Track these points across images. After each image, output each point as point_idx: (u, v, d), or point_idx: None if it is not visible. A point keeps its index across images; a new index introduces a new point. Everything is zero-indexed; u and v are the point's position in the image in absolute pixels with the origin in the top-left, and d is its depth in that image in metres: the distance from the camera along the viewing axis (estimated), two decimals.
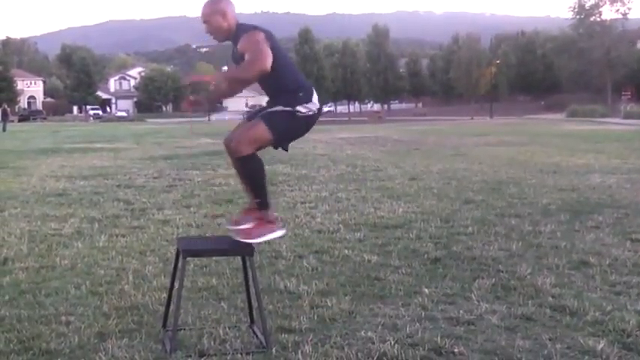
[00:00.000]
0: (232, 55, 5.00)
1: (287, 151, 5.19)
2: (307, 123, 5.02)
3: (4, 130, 49.92)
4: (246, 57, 4.72)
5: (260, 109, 5.05)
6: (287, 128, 4.94)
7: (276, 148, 5.08)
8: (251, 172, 4.94)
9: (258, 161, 4.93)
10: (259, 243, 5.01)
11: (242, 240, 4.88)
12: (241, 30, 4.87)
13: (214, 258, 7.12)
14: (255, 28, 4.86)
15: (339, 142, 30.37)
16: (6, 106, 58.15)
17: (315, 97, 4.99)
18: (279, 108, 4.86)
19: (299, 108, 4.89)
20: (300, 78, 5.07)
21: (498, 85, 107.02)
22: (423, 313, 5.54)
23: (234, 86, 5.02)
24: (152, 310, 5.69)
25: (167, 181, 14.97)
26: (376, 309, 5.69)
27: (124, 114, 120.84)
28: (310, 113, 4.96)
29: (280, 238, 4.89)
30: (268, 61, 4.65)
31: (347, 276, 6.76)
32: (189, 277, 6.54)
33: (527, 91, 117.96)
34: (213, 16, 4.87)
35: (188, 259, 5.09)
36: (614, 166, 17.62)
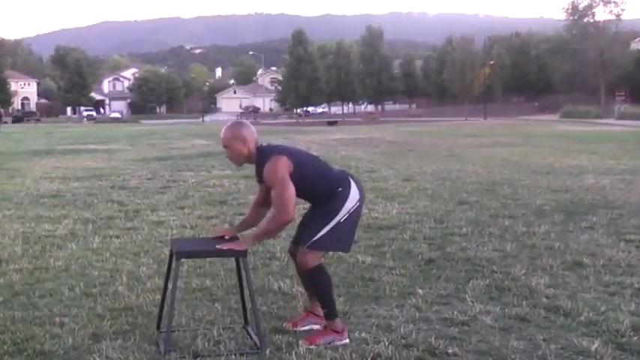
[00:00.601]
0: (256, 174, 5.05)
1: (348, 251, 5.44)
2: (355, 217, 5.09)
3: None
4: (272, 197, 4.85)
5: (305, 223, 5.18)
6: (338, 237, 5.01)
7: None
8: (319, 284, 5.02)
9: (325, 272, 5.05)
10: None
11: (305, 345, 4.87)
12: (262, 154, 4.93)
13: (208, 259, 7.12)
14: (276, 152, 4.91)
15: (333, 144, 30.39)
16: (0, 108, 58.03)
17: (353, 188, 5.03)
18: (322, 232, 4.92)
19: (341, 213, 4.95)
20: (333, 176, 5.09)
21: (492, 86, 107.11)
22: (417, 314, 5.55)
23: (268, 237, 5.51)
24: (146, 311, 5.69)
25: (161, 183, 14.96)
26: (370, 310, 5.69)
27: (117, 115, 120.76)
28: (356, 206, 5.03)
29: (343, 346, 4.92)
30: (291, 208, 4.78)
31: (341, 277, 6.76)
32: (183, 279, 6.53)
33: (521, 92, 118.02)
34: (234, 142, 4.94)
35: (182, 260, 5.08)
36: (608, 167, 17.67)
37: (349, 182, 5.05)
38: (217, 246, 4.87)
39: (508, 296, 6.03)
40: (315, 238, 4.91)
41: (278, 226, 4.88)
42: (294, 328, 5.20)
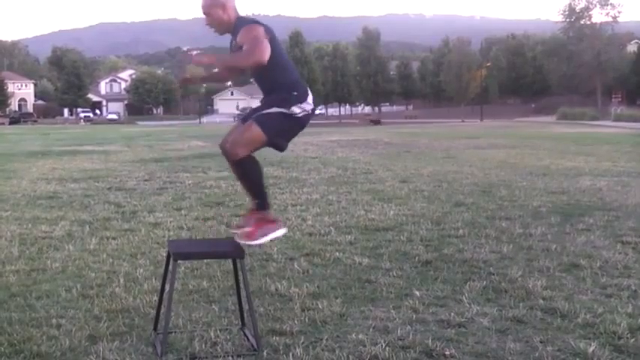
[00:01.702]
0: (230, 46, 5.02)
1: (282, 151, 5.18)
2: (301, 123, 5.03)
3: None
4: (245, 47, 4.73)
5: (254, 110, 5.05)
6: (281, 129, 4.94)
7: (271, 147, 5.09)
8: (248, 174, 4.94)
9: (255, 163, 4.94)
10: (263, 243, 5.00)
11: (246, 242, 4.88)
12: (241, 23, 4.89)
13: (205, 261, 7.11)
14: (255, 22, 4.89)
15: (329, 145, 30.36)
16: None
17: (309, 97, 5.00)
18: (274, 110, 4.86)
19: (293, 109, 4.90)
20: (296, 76, 5.08)
21: (488, 87, 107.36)
22: (414, 316, 5.55)
23: (228, 73, 5.08)
24: (143, 312, 5.68)
25: (158, 184, 14.94)
26: (367, 311, 5.69)
27: (114, 116, 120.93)
28: (304, 114, 4.96)
29: (282, 236, 4.89)
30: (266, 53, 4.67)
31: (338, 278, 6.76)
32: (180, 280, 6.53)
33: (518, 94, 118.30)
34: (213, 9, 4.90)
35: (179, 261, 5.09)
36: (605, 169, 17.68)
37: (307, 91, 5.03)
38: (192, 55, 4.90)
39: (505, 298, 6.04)
40: (264, 112, 4.88)
41: (249, 60, 4.72)
42: (239, 231, 5.07)
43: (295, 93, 4.94)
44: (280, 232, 5.01)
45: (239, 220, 5.37)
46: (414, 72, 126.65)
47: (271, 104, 4.91)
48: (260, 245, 5.00)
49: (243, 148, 4.83)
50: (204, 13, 4.94)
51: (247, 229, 4.93)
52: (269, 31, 4.83)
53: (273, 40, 4.82)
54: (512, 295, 6.12)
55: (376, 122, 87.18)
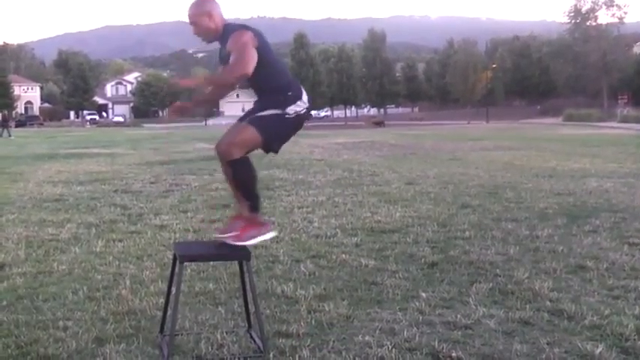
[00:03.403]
0: (220, 55, 5.00)
1: (277, 153, 5.16)
2: (297, 124, 5.01)
3: (9, 135, 49.60)
4: (230, 59, 4.72)
5: (249, 112, 5.04)
6: (276, 131, 4.93)
7: (266, 152, 5.08)
8: (241, 176, 4.93)
9: (249, 164, 4.93)
10: (251, 245, 4.98)
11: (232, 243, 4.87)
12: (229, 30, 4.86)
13: (211, 263, 7.12)
14: (242, 27, 4.86)
15: (335, 147, 30.38)
16: (5, 113, 58.11)
17: (304, 96, 4.98)
18: (268, 112, 4.86)
19: (288, 110, 4.89)
20: (289, 77, 5.06)
21: (494, 89, 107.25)
22: (421, 318, 5.54)
23: (218, 90, 5.06)
24: (149, 315, 5.68)
25: (164, 186, 14.96)
26: (373, 313, 5.69)
27: (120, 119, 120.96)
28: (298, 114, 4.95)
29: (271, 239, 4.87)
30: (250, 64, 4.65)
31: (344, 280, 6.76)
32: (187, 282, 6.53)
33: (523, 96, 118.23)
34: (200, 17, 4.87)
35: (185, 264, 5.09)
36: (611, 171, 17.64)
37: (301, 90, 5.01)
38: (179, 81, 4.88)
39: (511, 300, 6.03)
40: (258, 114, 4.86)
41: (234, 73, 4.69)
42: (225, 234, 5.02)
43: (290, 93, 4.93)
44: (269, 235, 4.98)
45: (225, 224, 5.33)
46: (420, 74, 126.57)
47: (266, 106, 4.90)
48: (249, 246, 4.96)
49: (237, 149, 4.81)
50: (191, 23, 4.90)
51: (235, 232, 4.92)
52: (257, 35, 4.80)
53: (262, 45, 4.79)
54: (518, 296, 6.11)
55: (379, 124, 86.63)
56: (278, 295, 6.25)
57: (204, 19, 4.86)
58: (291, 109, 4.89)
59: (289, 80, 5.02)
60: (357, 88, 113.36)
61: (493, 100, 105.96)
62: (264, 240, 5.01)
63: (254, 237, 4.89)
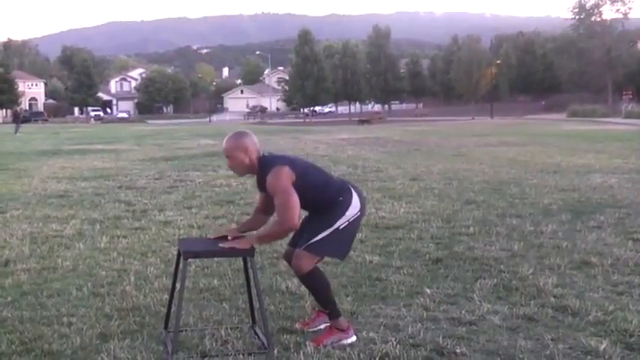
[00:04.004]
0: (258, 185, 5.06)
1: (343, 260, 5.50)
2: (353, 229, 5.08)
3: (15, 132, 49.58)
4: (275, 204, 4.81)
5: (303, 228, 5.11)
6: (334, 244, 5.00)
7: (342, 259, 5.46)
8: (315, 287, 5.00)
9: (320, 275, 5.02)
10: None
11: (313, 345, 4.90)
12: (265, 164, 4.92)
13: (216, 259, 7.13)
14: (278, 161, 4.91)
15: (340, 143, 30.38)
16: (17, 109, 58.21)
17: (354, 198, 5.03)
18: (321, 235, 4.92)
19: (339, 222, 4.94)
20: (336, 186, 5.08)
21: (499, 85, 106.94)
22: (425, 314, 5.54)
23: (269, 242, 5.26)
24: (154, 311, 5.69)
25: (168, 183, 14.98)
26: (378, 309, 5.69)
27: (124, 115, 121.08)
28: (353, 219, 5.01)
29: (350, 344, 4.93)
30: (296, 215, 4.75)
31: (348, 276, 6.76)
32: (191, 278, 6.54)
33: (528, 92, 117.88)
34: (236, 152, 4.93)
35: (189, 260, 5.08)
36: (616, 166, 17.62)
37: (351, 192, 5.05)
38: (220, 244, 4.88)
39: (516, 296, 6.03)
40: (312, 241, 4.90)
41: (282, 231, 4.87)
42: (307, 329, 5.20)
43: (340, 199, 4.99)
44: (350, 340, 5.01)
45: (310, 314, 5.44)
46: (424, 70, 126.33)
47: (318, 229, 4.96)
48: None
49: (305, 267, 4.91)
50: (227, 156, 5.00)
51: (318, 335, 5.03)
52: (294, 167, 4.87)
53: (300, 174, 4.86)
54: (523, 292, 6.10)
55: (365, 122, 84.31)
56: (282, 291, 6.25)
57: (240, 154, 4.92)
58: (345, 218, 4.97)
59: (336, 188, 5.06)
60: (362, 84, 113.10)
61: (497, 96, 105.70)
62: (344, 345, 5.00)
63: (335, 343, 4.92)
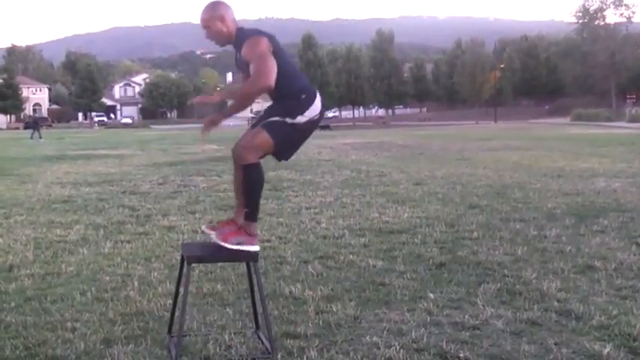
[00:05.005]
0: (235, 61, 5.00)
1: (287, 160, 5.15)
2: (306, 131, 4.99)
3: (38, 137, 49.20)
4: (251, 69, 4.72)
5: (262, 116, 5.04)
6: (288, 139, 4.91)
7: (278, 160, 5.08)
8: (251, 181, 4.91)
9: (260, 172, 4.92)
10: (234, 248, 4.93)
11: (217, 241, 4.84)
12: (243, 35, 4.85)
13: (219, 264, 7.13)
14: (257, 32, 4.86)
15: (343, 148, 30.39)
16: (35, 116, 58.28)
17: (317, 102, 4.95)
18: (280, 119, 4.85)
19: (299, 119, 4.86)
20: (303, 80, 5.03)
21: (502, 89, 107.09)
22: (429, 318, 5.54)
23: (243, 102, 5.03)
24: (157, 316, 5.70)
25: (172, 188, 14.99)
26: (381, 314, 5.69)
27: (128, 120, 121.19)
28: (310, 120, 4.93)
29: (253, 252, 4.83)
30: (272, 76, 4.65)
31: (352, 281, 6.76)
32: (195, 283, 6.54)
33: (532, 96, 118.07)
34: (212, 21, 4.87)
35: (193, 265, 5.09)
36: (619, 170, 17.60)
37: (315, 95, 4.97)
38: (194, 100, 4.94)
39: (519, 300, 6.02)
40: (268, 120, 4.85)
41: (256, 89, 4.71)
42: (209, 230, 5.05)
43: (303, 96, 4.91)
44: (254, 247, 4.95)
45: (217, 222, 5.33)
46: (428, 74, 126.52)
47: (278, 112, 4.89)
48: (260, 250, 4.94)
49: (252, 154, 4.81)
50: (204, 27, 4.90)
51: (225, 230, 4.91)
52: (272, 41, 4.80)
53: (277, 51, 4.79)
54: (526, 297, 6.10)
55: (325, 127, 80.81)
56: (286, 296, 6.25)
57: (217, 23, 4.86)
58: (303, 117, 4.87)
59: (303, 84, 5.01)
60: (365, 88, 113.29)
61: (501, 100, 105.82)
62: (247, 250, 4.94)
63: (240, 244, 4.85)
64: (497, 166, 19.09)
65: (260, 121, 5.00)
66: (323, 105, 5.02)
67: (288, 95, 4.87)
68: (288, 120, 4.84)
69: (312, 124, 4.94)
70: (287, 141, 4.93)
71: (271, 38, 4.82)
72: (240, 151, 4.85)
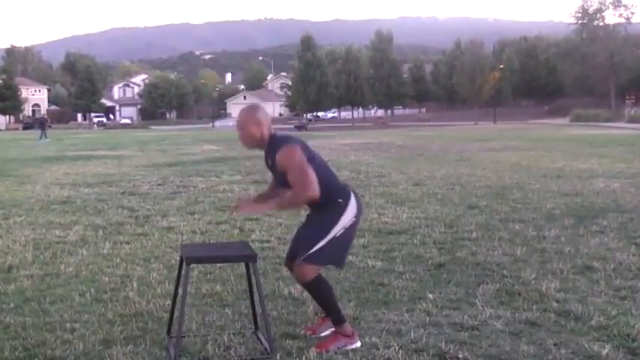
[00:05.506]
0: (266, 163, 5.05)
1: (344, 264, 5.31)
2: (350, 233, 5.06)
3: (44, 137, 49.17)
4: (290, 179, 4.78)
5: (298, 239, 5.13)
6: (332, 251, 4.96)
7: (337, 268, 5.33)
8: (320, 294, 5.01)
9: (323, 282, 5.02)
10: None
11: (316, 350, 4.90)
12: (276, 142, 4.91)
13: (218, 265, 7.13)
14: (289, 140, 4.91)
15: (343, 148, 30.37)
16: (45, 116, 58.24)
17: (352, 201, 5.01)
18: (320, 245, 4.88)
19: (335, 230, 4.91)
20: (338, 185, 5.09)
21: (502, 90, 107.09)
22: (428, 319, 5.54)
23: (289, 210, 5.14)
24: (156, 316, 5.70)
25: (171, 188, 14.99)
26: (380, 315, 5.69)
27: (128, 121, 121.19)
28: (349, 225, 4.99)
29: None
30: (316, 187, 4.75)
31: (351, 282, 6.77)
32: (194, 284, 6.55)
33: (531, 96, 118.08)
34: (249, 124, 4.93)
35: (192, 265, 5.09)
36: (618, 171, 17.60)
37: (350, 196, 5.03)
38: (242, 207, 5.05)
39: (518, 301, 6.02)
40: (310, 252, 4.88)
41: (302, 200, 4.85)
42: (314, 335, 5.19)
43: (340, 200, 4.98)
44: (355, 345, 5.00)
45: (315, 320, 5.44)
46: (427, 75, 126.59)
47: (315, 238, 4.93)
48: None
49: (308, 276, 4.91)
50: (239, 128, 5.00)
51: (322, 341, 5.01)
52: (305, 149, 4.88)
53: (311, 157, 4.87)
54: (525, 297, 6.10)
55: (301, 128, 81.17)
56: (285, 296, 6.26)
57: (253, 126, 4.92)
58: (340, 225, 4.94)
59: (338, 187, 5.06)
60: (365, 89, 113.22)
61: (500, 101, 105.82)
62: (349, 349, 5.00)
63: (340, 348, 4.92)
64: (496, 167, 19.09)
65: (296, 242, 5.14)
66: (360, 204, 5.10)
67: (325, 203, 4.91)
68: (329, 238, 4.91)
69: (352, 227, 5.03)
70: (334, 256, 5.02)
71: (303, 146, 4.90)
72: (296, 277, 5.01)
